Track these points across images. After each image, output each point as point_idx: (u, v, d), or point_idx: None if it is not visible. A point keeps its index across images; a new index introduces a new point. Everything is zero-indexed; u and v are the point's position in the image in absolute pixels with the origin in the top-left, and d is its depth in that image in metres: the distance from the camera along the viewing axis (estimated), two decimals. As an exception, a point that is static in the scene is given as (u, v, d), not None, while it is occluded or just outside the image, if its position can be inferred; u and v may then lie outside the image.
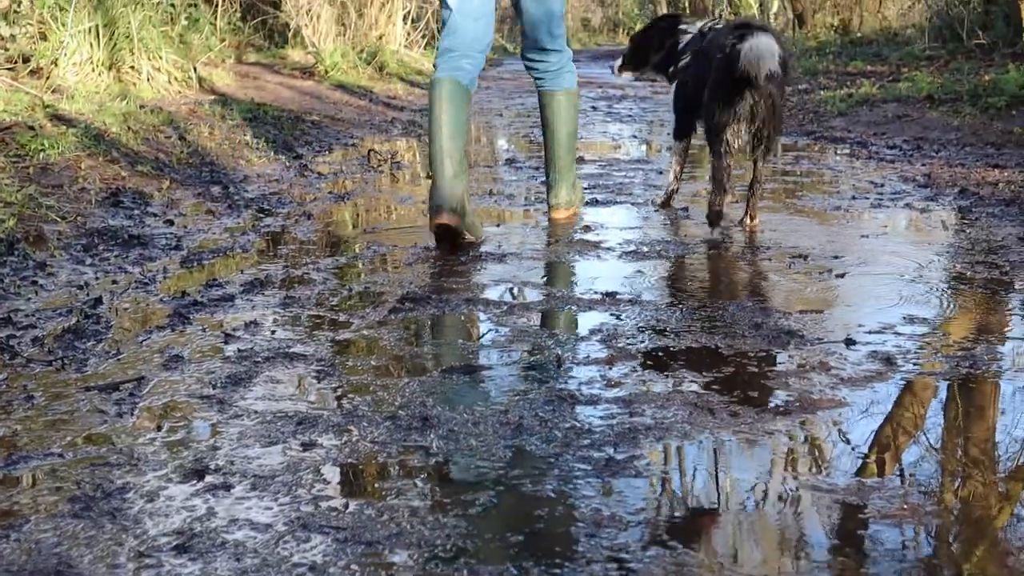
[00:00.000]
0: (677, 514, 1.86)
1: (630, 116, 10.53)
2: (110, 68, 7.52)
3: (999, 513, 1.84)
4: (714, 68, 4.17)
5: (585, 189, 5.43)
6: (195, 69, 8.83)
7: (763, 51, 3.83)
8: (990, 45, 11.15)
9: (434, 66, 4.21)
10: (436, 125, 4.00)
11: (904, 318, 2.98)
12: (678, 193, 4.95)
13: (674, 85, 4.77)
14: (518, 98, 13.27)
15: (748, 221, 4.41)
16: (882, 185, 5.49)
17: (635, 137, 8.66)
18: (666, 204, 4.91)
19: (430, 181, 3.99)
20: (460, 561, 1.64)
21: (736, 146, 4.18)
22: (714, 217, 4.23)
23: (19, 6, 7.31)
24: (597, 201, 5.09)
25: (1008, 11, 11.13)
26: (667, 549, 1.69)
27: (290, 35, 14.00)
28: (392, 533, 1.72)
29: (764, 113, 4.06)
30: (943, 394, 2.44)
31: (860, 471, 2.00)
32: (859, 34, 17.77)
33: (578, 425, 2.19)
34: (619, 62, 5.16)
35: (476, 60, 4.22)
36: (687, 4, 30.53)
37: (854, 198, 5.10)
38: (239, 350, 2.69)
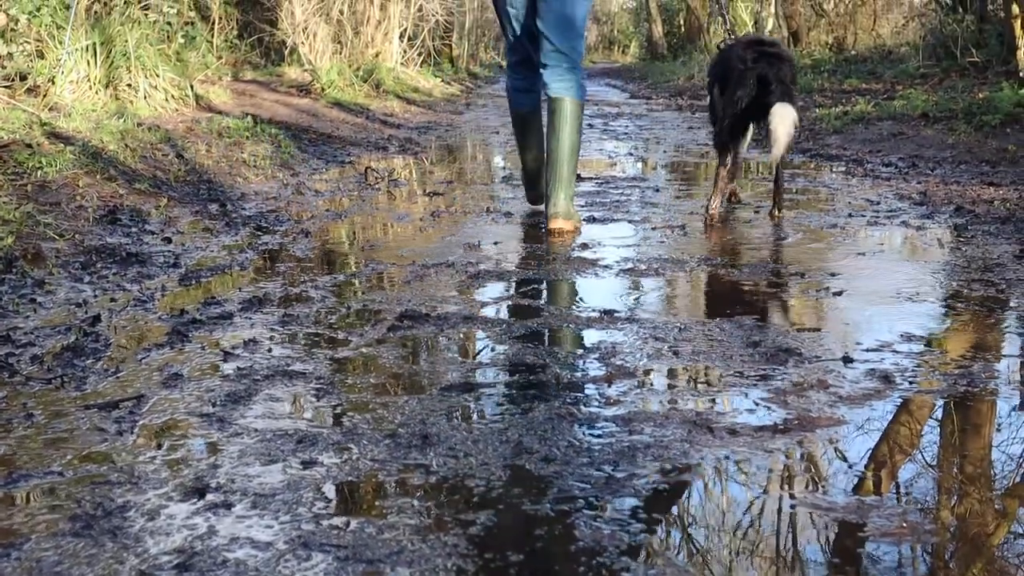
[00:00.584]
0: (676, 532, 1.86)
1: (626, 134, 10.57)
2: (107, 86, 7.55)
3: (997, 531, 1.85)
4: (734, 80, 4.89)
5: (581, 207, 5.45)
6: (192, 87, 8.85)
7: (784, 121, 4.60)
8: (984, 63, 11.21)
9: (507, 73, 5.39)
10: (520, 139, 5.43)
11: (902, 336, 2.99)
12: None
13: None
14: (514, 116, 13.27)
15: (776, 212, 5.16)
16: (878, 203, 5.51)
17: (631, 155, 8.69)
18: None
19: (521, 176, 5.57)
20: (461, 580, 1.64)
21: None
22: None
23: (16, 24, 7.33)
24: (594, 219, 5.11)
25: (1001, 29, 11.18)
26: (667, 568, 1.70)
27: (287, 53, 14.06)
28: (393, 551, 1.72)
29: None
30: (941, 412, 2.44)
31: (859, 489, 2.01)
32: (853, 52, 17.87)
33: (577, 443, 2.20)
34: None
35: (532, 77, 5.13)
36: (683, 23, 30.67)
37: (850, 216, 5.12)
38: (238, 368, 2.70)
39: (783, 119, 4.60)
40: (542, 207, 5.10)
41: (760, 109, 4.78)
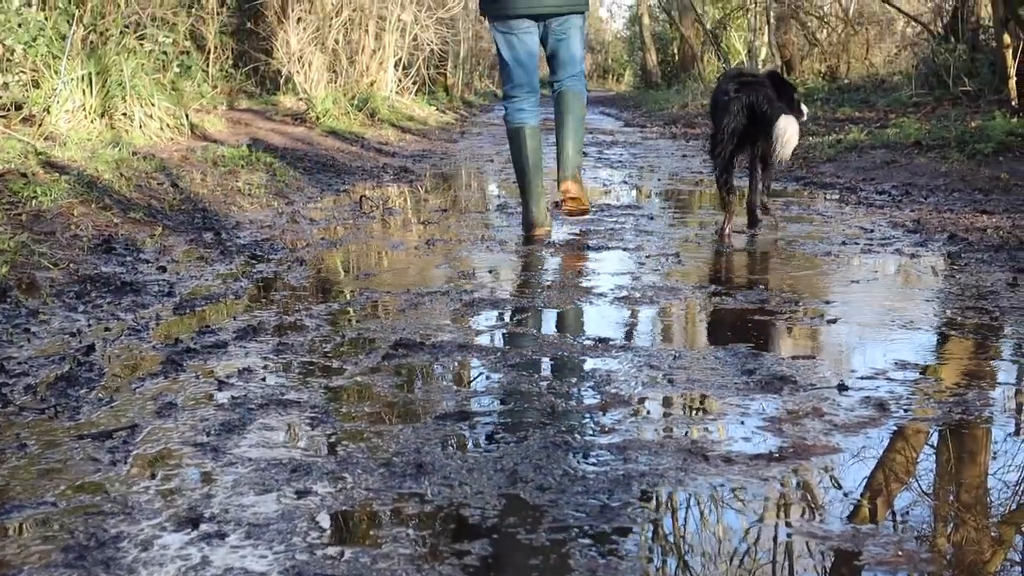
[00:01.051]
0: (672, 562, 1.86)
1: (620, 162, 10.60)
2: (102, 115, 7.57)
3: (992, 558, 1.84)
4: (720, 111, 5.26)
5: (575, 235, 5.47)
6: (187, 116, 8.88)
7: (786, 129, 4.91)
8: (976, 92, 11.27)
9: (504, 106, 5.68)
10: (521, 157, 5.58)
11: (896, 364, 3.00)
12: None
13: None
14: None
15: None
16: (872, 231, 5.53)
17: (626, 183, 8.71)
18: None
19: (522, 198, 5.68)
20: (456, 610, 1.64)
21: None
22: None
23: (12, 54, 7.35)
24: (588, 247, 5.12)
25: (993, 59, 11.25)
26: (663, 597, 1.69)
27: (282, 82, 14.11)
28: (387, 582, 1.72)
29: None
30: (936, 440, 2.44)
31: (855, 517, 2.00)
32: (846, 80, 17.96)
33: (572, 472, 2.19)
34: None
35: (535, 99, 5.64)
36: (676, 51, 30.82)
37: (844, 243, 5.13)
38: (233, 397, 2.69)
39: (784, 130, 4.89)
40: (537, 232, 5.56)
41: (752, 135, 5.17)
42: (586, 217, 5.96)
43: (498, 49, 5.68)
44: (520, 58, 5.57)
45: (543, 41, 5.65)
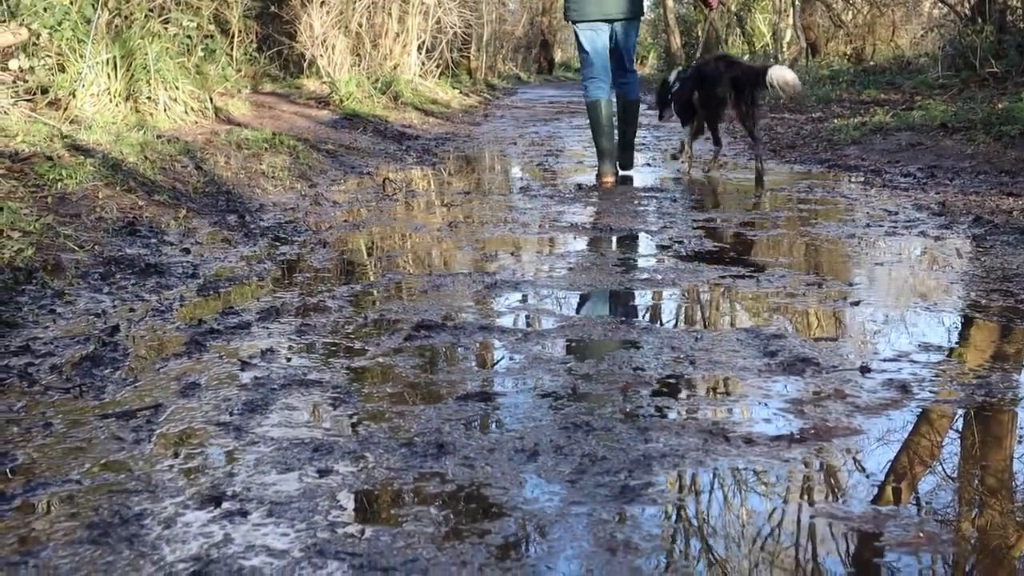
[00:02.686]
0: (692, 541, 1.86)
1: (643, 144, 10.56)
2: (127, 99, 7.60)
3: (1016, 542, 1.83)
4: (708, 83, 7.19)
5: (598, 217, 5.47)
6: (211, 99, 8.90)
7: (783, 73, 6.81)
8: (1003, 73, 11.17)
9: (584, 87, 7.37)
10: (599, 125, 7.27)
11: (919, 346, 2.98)
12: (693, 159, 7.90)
13: (673, 102, 7.83)
14: (531, 127, 13.31)
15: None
16: (896, 213, 5.49)
17: (648, 165, 8.68)
18: (676, 157, 8.31)
19: (598, 156, 7.35)
20: (476, 588, 1.64)
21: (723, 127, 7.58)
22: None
23: (38, 39, 7.38)
24: (611, 228, 5.11)
25: (1021, 40, 11.14)
26: (683, 576, 1.69)
27: (305, 65, 14.12)
28: (408, 559, 1.73)
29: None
30: (959, 422, 2.43)
31: (876, 499, 2.00)
32: (872, 62, 17.83)
33: (592, 452, 2.19)
34: (658, 112, 8.44)
35: (608, 80, 7.33)
36: (699, 34, 30.63)
37: (868, 226, 5.10)
38: (255, 377, 2.71)
39: (782, 73, 6.76)
40: (606, 180, 7.19)
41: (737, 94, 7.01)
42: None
43: (580, 44, 7.33)
44: (597, 49, 7.23)
45: (610, 37, 7.28)
